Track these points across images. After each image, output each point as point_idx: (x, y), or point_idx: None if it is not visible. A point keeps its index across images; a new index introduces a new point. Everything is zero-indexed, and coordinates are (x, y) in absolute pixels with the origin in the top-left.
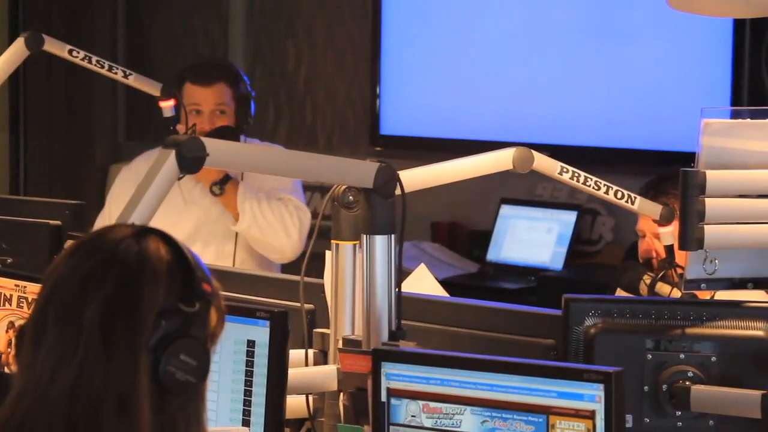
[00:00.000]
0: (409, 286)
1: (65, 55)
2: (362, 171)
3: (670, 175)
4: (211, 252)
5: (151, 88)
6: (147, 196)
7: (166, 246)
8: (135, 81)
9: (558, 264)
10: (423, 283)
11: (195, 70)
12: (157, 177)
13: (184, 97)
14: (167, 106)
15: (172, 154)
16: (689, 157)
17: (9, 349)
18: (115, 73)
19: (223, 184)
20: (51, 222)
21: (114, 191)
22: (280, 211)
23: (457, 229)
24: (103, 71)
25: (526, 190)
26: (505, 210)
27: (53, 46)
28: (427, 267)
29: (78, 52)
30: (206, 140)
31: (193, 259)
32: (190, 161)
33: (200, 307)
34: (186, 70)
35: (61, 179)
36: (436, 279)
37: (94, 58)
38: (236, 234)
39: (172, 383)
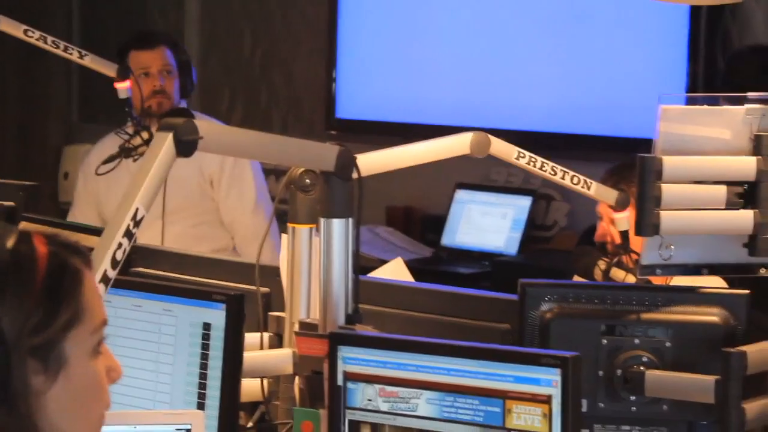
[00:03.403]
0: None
1: (20, 34)
2: (324, 154)
3: (630, 163)
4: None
5: (107, 69)
6: (149, 180)
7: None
8: (91, 62)
9: (512, 249)
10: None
11: (137, 37)
12: (156, 160)
13: (131, 65)
14: (123, 87)
15: (170, 137)
16: (647, 144)
17: None
18: (71, 54)
19: None
20: (4, 203)
21: (78, 191)
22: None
23: (412, 213)
24: (59, 51)
25: (481, 175)
26: (460, 195)
27: (8, 26)
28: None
29: (33, 32)
30: (199, 123)
31: None
32: (187, 144)
33: None
34: (128, 41)
35: (14, 160)
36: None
37: (50, 39)
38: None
39: None
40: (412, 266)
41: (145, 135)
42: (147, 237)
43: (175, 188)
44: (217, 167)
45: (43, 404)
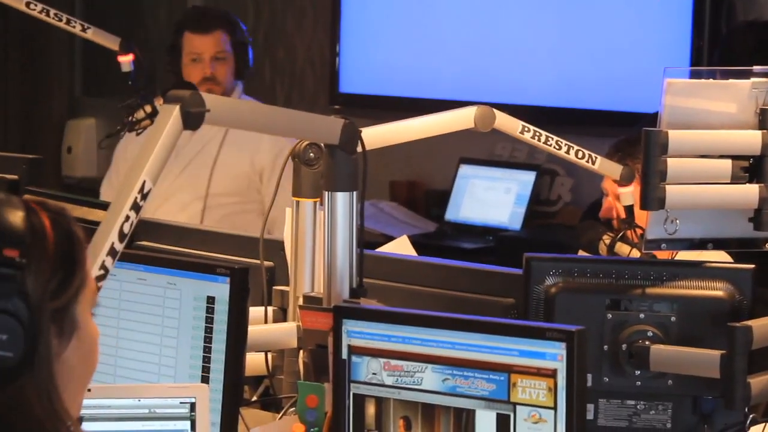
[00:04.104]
0: None
1: (22, 7)
2: (328, 127)
3: (635, 138)
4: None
5: (110, 42)
6: (156, 153)
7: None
8: (93, 35)
9: (516, 224)
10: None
11: (193, 18)
12: (163, 133)
13: (183, 47)
14: (126, 60)
15: (176, 109)
16: (652, 118)
17: None
18: (74, 27)
19: None
20: (7, 176)
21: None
22: None
23: (416, 188)
24: (61, 24)
25: (485, 150)
26: (464, 170)
27: None
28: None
29: (36, 5)
30: (206, 96)
31: None
32: (194, 116)
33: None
34: (184, 20)
35: (18, 134)
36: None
37: (52, 11)
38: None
39: None
40: (416, 241)
41: (148, 108)
42: (187, 216)
43: (223, 172)
44: (270, 162)
45: (58, 367)
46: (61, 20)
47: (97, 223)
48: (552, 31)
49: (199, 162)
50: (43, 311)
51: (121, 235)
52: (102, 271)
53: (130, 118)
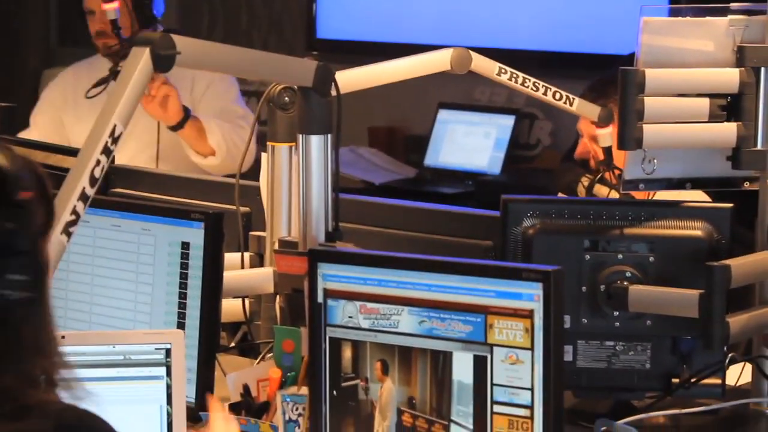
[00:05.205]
0: None
1: None
2: (302, 69)
3: (612, 77)
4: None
5: None
6: (126, 96)
7: None
8: None
9: (496, 168)
10: None
11: None
12: (133, 76)
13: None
14: (111, 8)
15: (146, 51)
16: (630, 61)
17: None
18: None
19: (184, 122)
20: None
21: (39, 110)
22: (242, 137)
23: (395, 133)
24: None
25: (464, 95)
26: (443, 114)
27: None
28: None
29: None
30: (176, 38)
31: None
32: (165, 59)
33: (18, 220)
34: None
35: None
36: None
37: None
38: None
39: (6, 305)
40: (396, 186)
41: None
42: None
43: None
44: (204, 86)
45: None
46: None
47: (67, 170)
48: None
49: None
50: (44, 250)
51: (92, 180)
52: (73, 216)
53: (117, 68)
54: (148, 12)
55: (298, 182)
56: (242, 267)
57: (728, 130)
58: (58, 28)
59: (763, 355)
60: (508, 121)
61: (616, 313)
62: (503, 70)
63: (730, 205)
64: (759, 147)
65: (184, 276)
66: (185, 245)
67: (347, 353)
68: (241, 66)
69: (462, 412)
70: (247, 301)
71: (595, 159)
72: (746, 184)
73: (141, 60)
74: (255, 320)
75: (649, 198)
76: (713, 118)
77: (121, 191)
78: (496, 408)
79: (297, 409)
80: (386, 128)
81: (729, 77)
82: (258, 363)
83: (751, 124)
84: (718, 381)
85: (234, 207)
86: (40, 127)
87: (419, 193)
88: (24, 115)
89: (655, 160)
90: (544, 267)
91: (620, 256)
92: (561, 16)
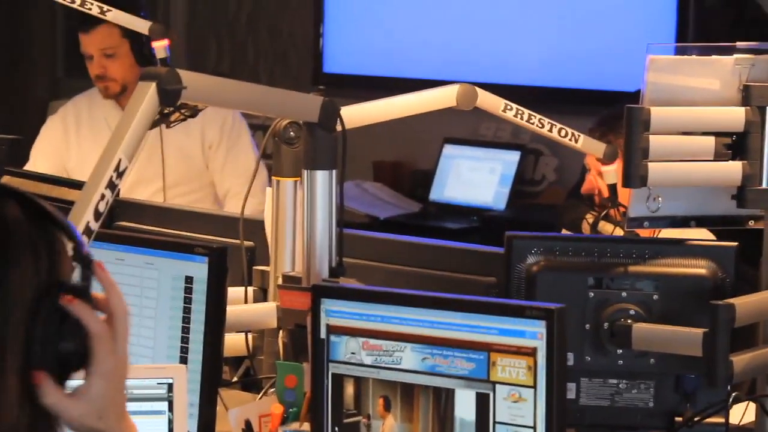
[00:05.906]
0: None
1: None
2: (308, 104)
3: (619, 113)
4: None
5: (138, 25)
6: (131, 131)
7: (21, 208)
8: (116, 17)
9: (501, 204)
10: None
11: (78, 18)
12: (139, 110)
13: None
14: (160, 46)
15: (153, 86)
16: (636, 97)
17: None
18: (89, 9)
19: None
20: None
21: (39, 144)
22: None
23: (400, 168)
24: (75, 6)
25: (470, 130)
26: (448, 149)
27: None
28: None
29: None
30: (182, 73)
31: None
32: (171, 93)
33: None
34: (74, 22)
35: None
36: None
37: None
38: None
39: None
40: (401, 221)
41: None
42: None
43: (176, 160)
44: (217, 132)
45: None
46: (74, 2)
47: (72, 203)
48: (534, 10)
49: (149, 150)
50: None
51: (97, 214)
52: None
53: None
54: (147, 51)
55: (303, 217)
56: (245, 302)
57: (733, 168)
58: (65, 60)
59: (767, 395)
60: (513, 157)
61: (620, 351)
62: (509, 107)
63: (735, 244)
64: (764, 186)
65: (187, 310)
66: (189, 279)
67: (350, 389)
68: (246, 101)
69: None
70: (250, 336)
71: (600, 195)
72: (751, 223)
73: (147, 94)
74: (258, 355)
75: (654, 236)
76: (718, 156)
77: (125, 224)
78: None
79: None
80: (391, 163)
81: (735, 116)
82: (260, 398)
83: (757, 162)
84: (722, 420)
85: (238, 241)
86: (39, 161)
87: (424, 227)
88: (29, 146)
89: (660, 198)
90: (547, 305)
91: (624, 293)
92: (567, 52)
